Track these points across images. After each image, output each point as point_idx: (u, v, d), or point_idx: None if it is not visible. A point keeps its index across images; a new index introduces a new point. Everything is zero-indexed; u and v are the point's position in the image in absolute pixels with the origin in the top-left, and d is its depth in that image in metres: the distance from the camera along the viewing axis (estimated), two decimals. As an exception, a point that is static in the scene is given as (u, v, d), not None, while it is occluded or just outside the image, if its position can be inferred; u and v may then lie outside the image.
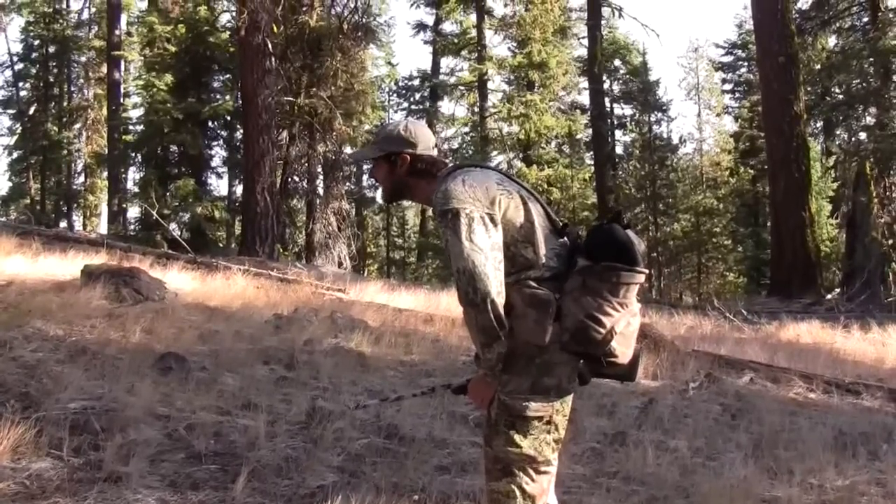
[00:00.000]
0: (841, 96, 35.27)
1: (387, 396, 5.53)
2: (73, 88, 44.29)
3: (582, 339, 3.09)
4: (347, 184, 32.65)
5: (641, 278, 3.18)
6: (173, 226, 26.21)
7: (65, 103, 43.50)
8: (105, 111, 38.23)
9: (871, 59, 31.09)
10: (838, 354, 13.06)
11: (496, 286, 3.01)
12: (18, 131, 41.90)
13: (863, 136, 34.47)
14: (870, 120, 34.42)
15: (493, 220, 3.11)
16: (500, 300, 3.02)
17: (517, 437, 3.16)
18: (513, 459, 3.18)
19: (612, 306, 3.09)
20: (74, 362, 6.34)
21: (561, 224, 3.37)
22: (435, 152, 3.43)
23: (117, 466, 4.42)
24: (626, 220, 3.27)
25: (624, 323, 3.14)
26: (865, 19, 33.11)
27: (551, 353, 3.13)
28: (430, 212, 35.49)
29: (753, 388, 9.22)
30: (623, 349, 3.16)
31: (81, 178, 46.23)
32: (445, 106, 42.76)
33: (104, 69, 38.45)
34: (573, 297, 3.10)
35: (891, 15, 31.69)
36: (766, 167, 31.46)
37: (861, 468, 5.94)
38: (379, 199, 40.31)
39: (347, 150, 28.34)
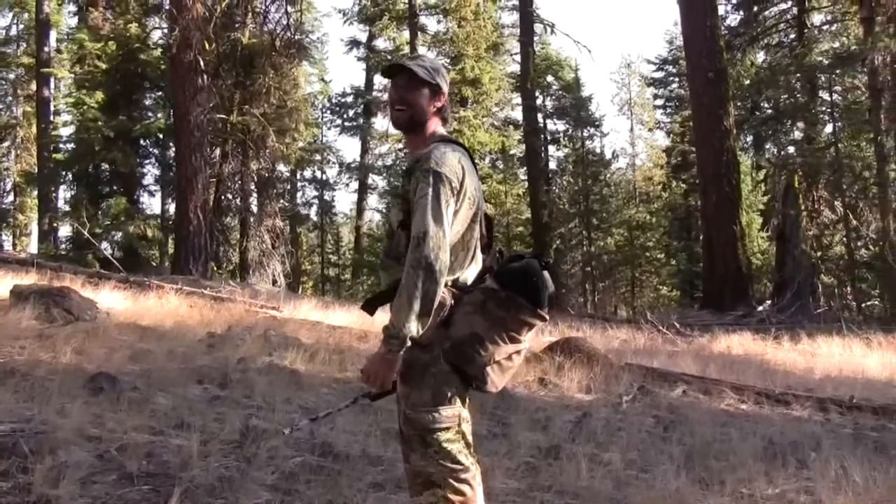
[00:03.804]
0: (770, 111, 35.88)
1: (315, 415, 5.50)
2: (1, 106, 43.56)
3: (460, 354, 3.14)
4: (281, 201, 32.49)
5: (540, 323, 3.24)
6: (105, 245, 25.94)
7: (-7, 121, 42.77)
8: (34, 129, 37.57)
9: (798, 75, 31.76)
10: (769, 365, 13.30)
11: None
12: (-55, 150, 41.09)
13: (791, 150, 35.08)
14: (798, 134, 35.07)
15: (456, 207, 3.17)
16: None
17: (430, 451, 3.19)
18: (430, 472, 3.21)
19: (500, 336, 3.14)
20: (3, 384, 6.21)
21: (486, 242, 3.43)
22: None
23: (47, 489, 4.34)
24: (547, 260, 3.31)
25: (505, 354, 3.18)
26: (792, 36, 33.83)
27: (444, 364, 3.17)
28: (364, 228, 35.57)
29: (686, 401, 9.34)
30: (495, 378, 3.20)
31: (11, 198, 45.46)
32: (379, 122, 42.41)
33: (33, 86, 37.82)
34: (467, 311, 3.16)
35: (816, 32, 32.39)
36: (697, 181, 31.90)
37: (790, 477, 6.04)
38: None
39: (280, 167, 28.21)
